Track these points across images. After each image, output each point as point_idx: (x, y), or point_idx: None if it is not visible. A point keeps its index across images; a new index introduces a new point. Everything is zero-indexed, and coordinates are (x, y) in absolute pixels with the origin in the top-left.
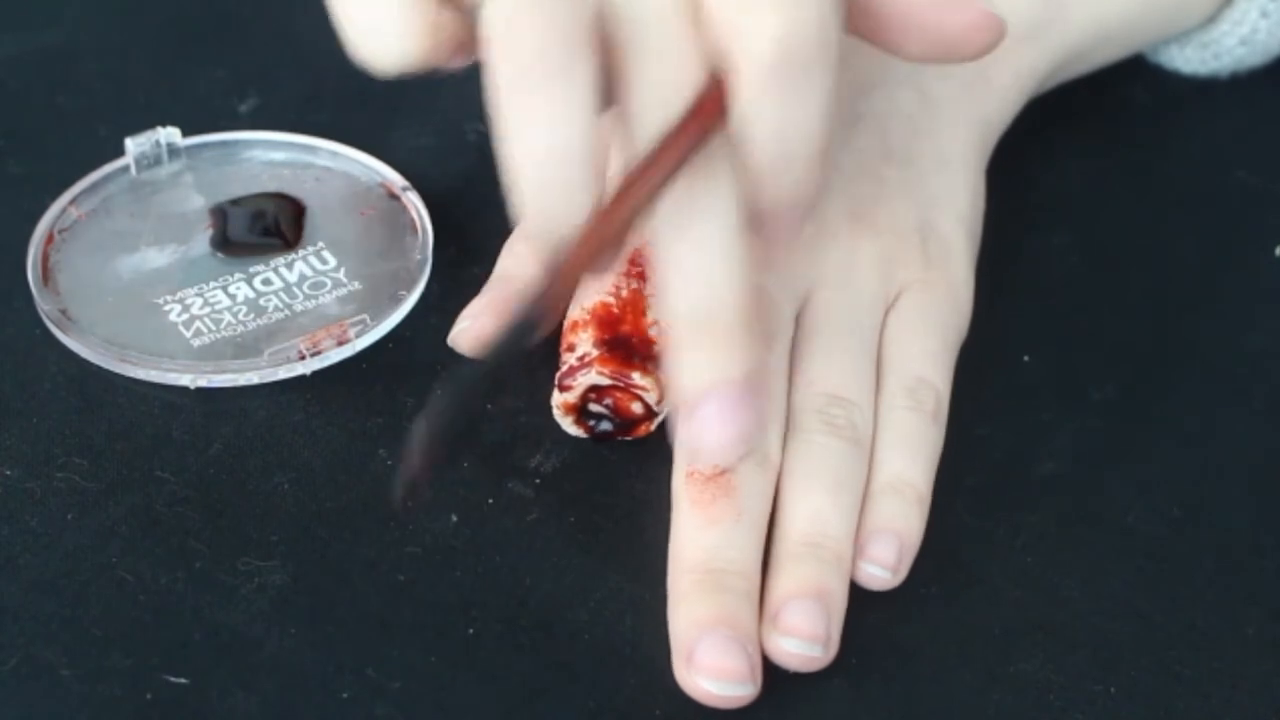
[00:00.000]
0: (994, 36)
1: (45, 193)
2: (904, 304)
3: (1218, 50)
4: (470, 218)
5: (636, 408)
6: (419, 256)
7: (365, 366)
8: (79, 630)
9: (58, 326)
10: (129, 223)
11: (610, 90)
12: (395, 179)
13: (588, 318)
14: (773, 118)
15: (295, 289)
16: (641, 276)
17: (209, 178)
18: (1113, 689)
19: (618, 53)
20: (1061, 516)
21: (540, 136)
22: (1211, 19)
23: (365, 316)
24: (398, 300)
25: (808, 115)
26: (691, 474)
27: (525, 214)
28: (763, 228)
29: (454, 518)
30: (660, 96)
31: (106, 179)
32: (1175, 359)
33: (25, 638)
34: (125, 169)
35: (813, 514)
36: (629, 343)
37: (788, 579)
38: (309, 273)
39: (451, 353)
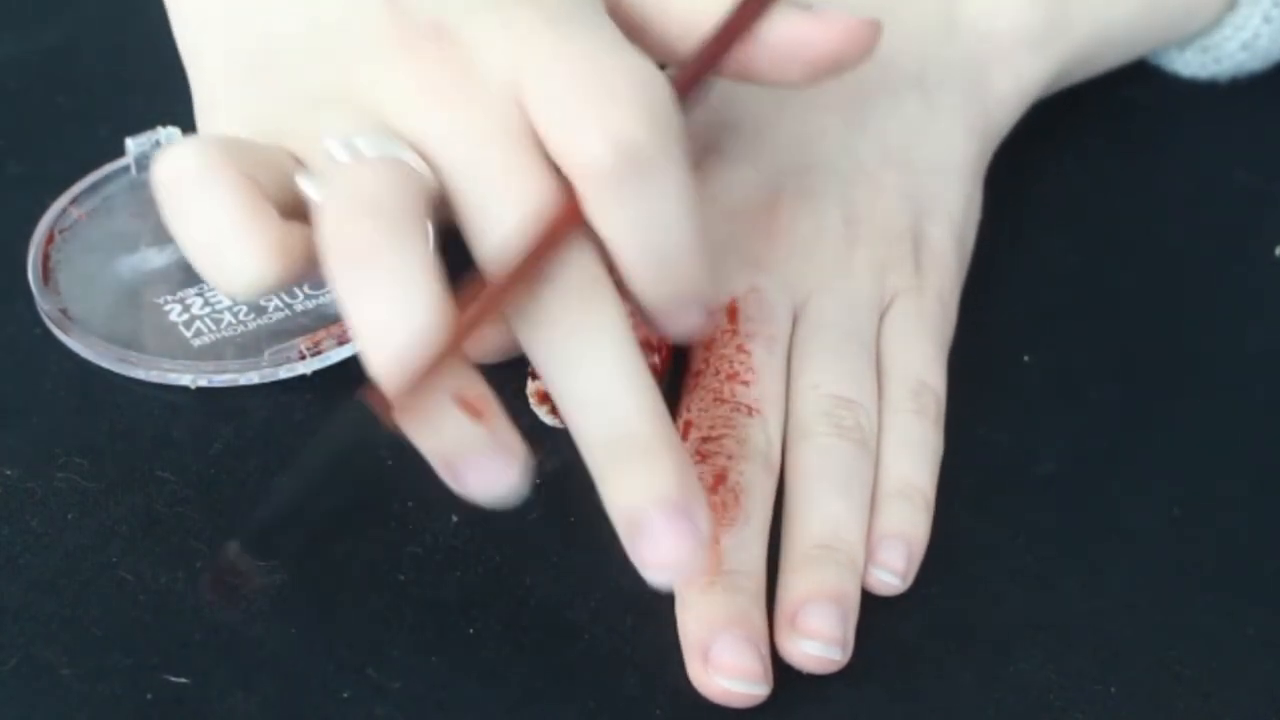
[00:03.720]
0: (871, 37)
1: (45, 193)
2: (898, 309)
3: (1219, 55)
4: None
5: None
6: None
7: (364, 367)
8: (79, 630)
9: (58, 326)
10: (129, 222)
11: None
12: None
13: None
14: (626, 222)
15: (296, 289)
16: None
17: None
18: (1113, 688)
19: (459, 200)
20: (1062, 516)
21: (378, 312)
22: (1213, 23)
23: None
24: None
25: (663, 211)
26: (699, 478)
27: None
28: (657, 323)
29: (454, 518)
30: (502, 234)
31: (107, 179)
32: (1175, 359)
33: (26, 637)
34: (126, 169)
35: (827, 517)
36: None
37: (805, 582)
38: None
39: None
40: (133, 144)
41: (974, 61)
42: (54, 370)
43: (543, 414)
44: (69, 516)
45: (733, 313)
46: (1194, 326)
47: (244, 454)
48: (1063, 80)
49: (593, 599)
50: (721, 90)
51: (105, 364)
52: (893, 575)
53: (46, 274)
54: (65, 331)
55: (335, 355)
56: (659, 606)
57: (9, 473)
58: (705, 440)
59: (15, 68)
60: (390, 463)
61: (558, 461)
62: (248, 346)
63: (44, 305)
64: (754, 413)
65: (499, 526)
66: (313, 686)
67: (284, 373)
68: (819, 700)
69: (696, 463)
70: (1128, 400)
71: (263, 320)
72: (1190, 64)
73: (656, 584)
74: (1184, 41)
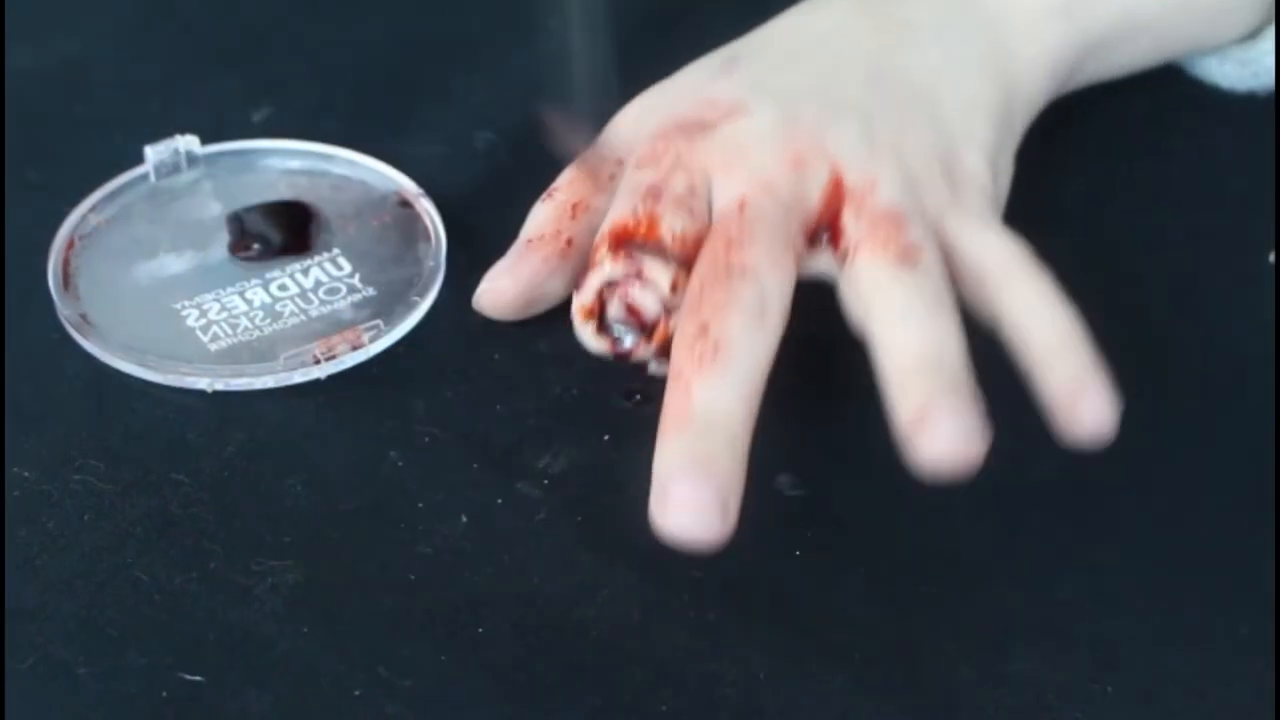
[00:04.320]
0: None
1: (62, 200)
2: (954, 220)
3: (1257, 69)
4: (481, 224)
5: (650, 303)
6: (432, 263)
7: (377, 371)
8: (95, 629)
9: (77, 331)
10: (148, 229)
11: None
12: (409, 186)
13: (605, 235)
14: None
15: (311, 294)
16: (658, 198)
17: (227, 185)
18: (1110, 688)
19: None
20: (1059, 517)
21: None
22: (1252, 36)
23: (379, 322)
24: (411, 305)
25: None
26: (684, 337)
27: None
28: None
29: (464, 518)
30: None
31: (126, 186)
32: (1172, 362)
33: (43, 637)
34: (144, 176)
35: (926, 336)
36: (642, 243)
37: (918, 393)
38: (324, 278)
39: (463, 358)
40: (151, 152)
41: (995, 24)
42: (70, 375)
43: (588, 337)
44: (85, 518)
45: (742, 204)
46: (1190, 330)
47: (257, 457)
48: (1089, 64)
49: (600, 597)
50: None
51: (123, 368)
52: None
53: (66, 280)
54: (84, 336)
55: (349, 360)
56: (667, 604)
57: (26, 475)
58: (695, 295)
59: (33, 78)
60: (401, 464)
61: (565, 463)
62: (263, 351)
63: (64, 310)
64: (747, 275)
65: (508, 527)
66: (324, 684)
67: (299, 377)
68: (819, 699)
69: (685, 319)
70: (1124, 402)
71: (278, 325)
72: (1229, 76)
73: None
74: (1222, 53)
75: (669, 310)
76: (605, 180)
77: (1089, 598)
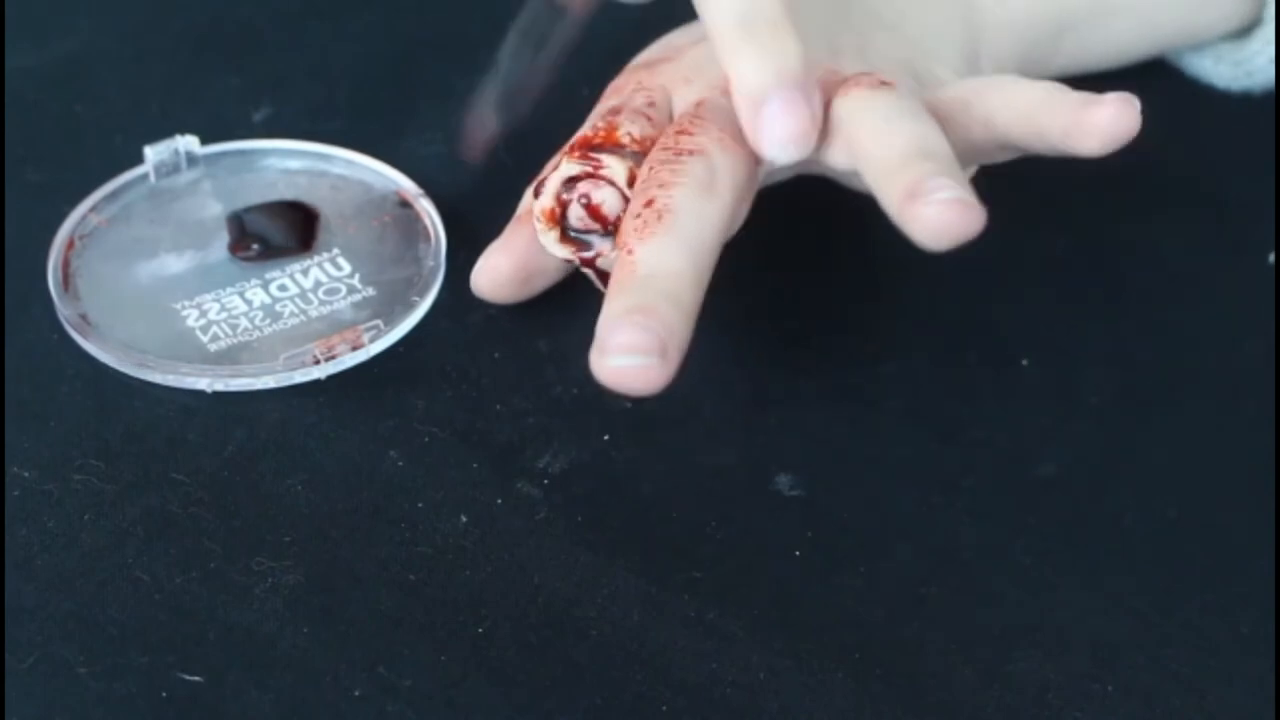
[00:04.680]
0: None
1: (62, 200)
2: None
3: (1250, 69)
4: (481, 224)
5: (609, 198)
6: (432, 263)
7: (377, 371)
8: (96, 629)
9: (77, 331)
10: (148, 229)
11: None
12: (409, 186)
13: (565, 148)
14: None
15: (310, 294)
16: (618, 111)
17: (227, 185)
18: (1110, 687)
19: None
20: (1060, 518)
21: None
22: (1244, 36)
23: (379, 322)
24: (411, 305)
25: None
26: (631, 212)
27: None
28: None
29: (464, 518)
30: None
31: (126, 186)
32: (1171, 364)
33: (43, 636)
34: (144, 176)
35: (912, 134)
36: (599, 144)
37: (907, 176)
38: (324, 279)
39: (463, 358)
40: (151, 152)
41: None
42: (70, 375)
43: (552, 244)
44: (85, 518)
45: (699, 104)
46: (1190, 332)
47: (257, 456)
48: (1066, 38)
49: (600, 597)
50: None
51: (123, 368)
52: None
53: (66, 280)
54: (84, 336)
55: (349, 360)
56: (667, 603)
57: (26, 475)
58: (645, 180)
59: (33, 77)
60: (401, 464)
61: (565, 462)
62: (263, 351)
63: (64, 310)
64: (695, 154)
65: (508, 526)
66: (324, 684)
67: (299, 377)
68: (819, 699)
69: (633, 199)
70: (1125, 404)
71: (278, 325)
72: (1223, 76)
73: (776, 160)
74: (1215, 53)
75: (628, 200)
76: None
77: (1089, 598)
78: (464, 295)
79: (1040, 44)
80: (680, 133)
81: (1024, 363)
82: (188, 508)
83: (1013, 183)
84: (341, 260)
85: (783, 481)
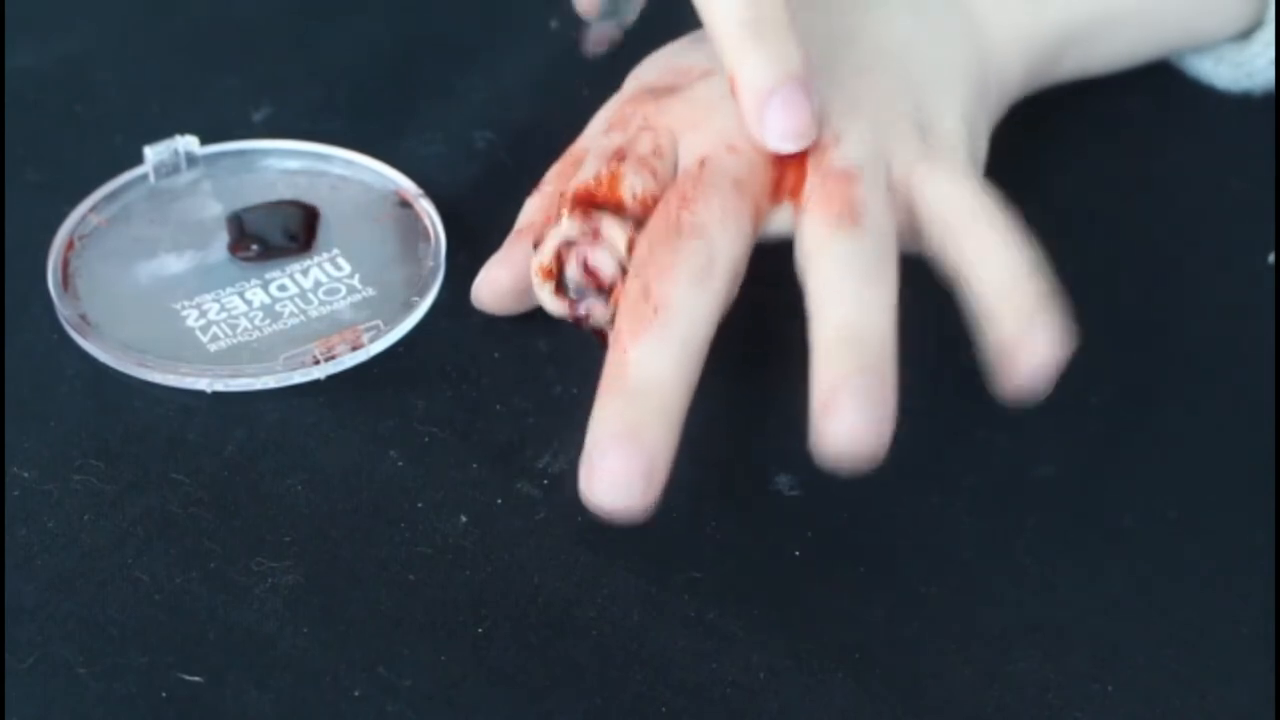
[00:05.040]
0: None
1: (61, 200)
2: (923, 174)
3: (1251, 70)
4: (480, 224)
5: (606, 264)
6: (431, 263)
7: (376, 371)
8: (95, 629)
9: (77, 331)
10: (148, 229)
11: None
12: (409, 186)
13: (567, 196)
14: None
15: (310, 295)
16: (622, 158)
17: (226, 185)
18: (1110, 687)
19: None
20: (1060, 518)
21: None
22: (1245, 38)
23: (379, 322)
24: (411, 306)
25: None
26: (628, 299)
27: None
28: None
29: (463, 518)
30: None
31: (126, 186)
32: (1171, 364)
33: (43, 636)
34: (144, 177)
35: (857, 306)
36: (601, 203)
37: (833, 370)
38: (324, 279)
39: (463, 358)
40: (151, 152)
41: (966, 8)
42: (70, 375)
43: (547, 298)
44: (85, 518)
45: (703, 162)
46: (1189, 332)
47: (256, 456)
48: (1069, 52)
49: (600, 597)
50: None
51: (123, 368)
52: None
53: (66, 280)
54: (84, 336)
55: (349, 360)
56: (667, 604)
57: (26, 475)
58: (643, 258)
59: (33, 77)
60: (401, 464)
61: (565, 462)
62: (263, 351)
63: (63, 310)
64: (695, 232)
65: (508, 526)
66: (324, 684)
67: (298, 377)
68: (819, 699)
69: (630, 282)
70: (1124, 404)
71: (278, 325)
72: (1224, 77)
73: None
74: (1216, 55)
75: (625, 272)
76: None
77: (1089, 597)
78: (464, 295)
79: (1045, 58)
80: (683, 205)
81: None
82: (187, 508)
83: (1009, 186)
84: (341, 260)
85: (783, 481)
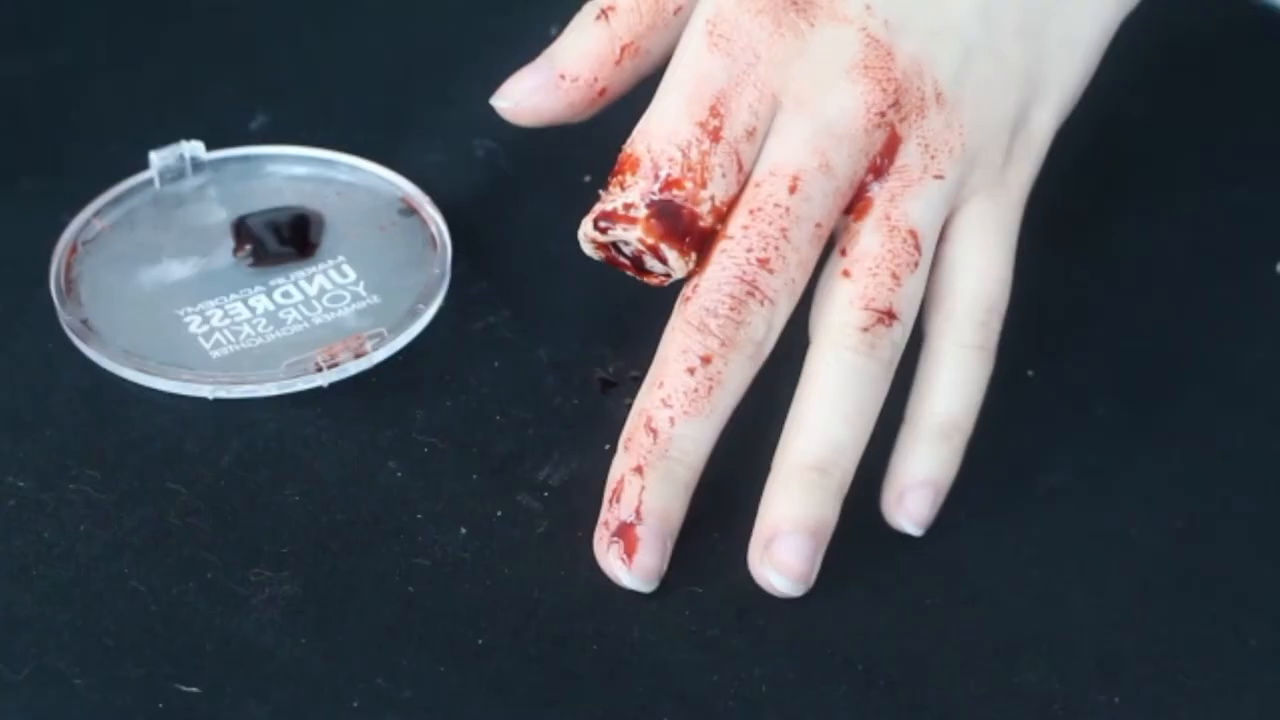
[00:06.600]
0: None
1: (57, 208)
2: (974, 209)
3: None
4: (481, 232)
5: (658, 272)
6: (437, 270)
7: (376, 380)
8: (91, 640)
9: (79, 337)
10: (152, 235)
11: None
12: (415, 193)
13: (649, 165)
14: None
15: (314, 302)
16: (717, 137)
17: (231, 191)
18: (1116, 699)
19: None
20: (1065, 529)
21: None
22: None
23: (383, 329)
24: (415, 314)
25: None
26: (684, 350)
27: None
28: None
29: (463, 530)
30: None
31: (130, 191)
32: (1177, 373)
33: (38, 647)
34: (149, 182)
35: (828, 440)
36: (679, 212)
37: (789, 506)
38: (328, 286)
39: (463, 367)
40: (156, 157)
41: None
42: (66, 384)
43: (588, 248)
44: (81, 528)
45: (794, 186)
46: (1196, 341)
47: (254, 466)
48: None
49: (599, 610)
50: None
51: (125, 374)
52: (917, 526)
53: (69, 285)
54: (86, 342)
55: (351, 368)
56: (666, 616)
57: (22, 485)
58: (707, 312)
59: (28, 85)
60: (400, 475)
61: (566, 474)
62: (265, 358)
63: (65, 316)
64: (766, 302)
65: (508, 538)
66: (323, 696)
67: (301, 384)
68: (823, 712)
69: (689, 333)
70: (1130, 414)
71: (281, 332)
72: None
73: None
74: None
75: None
76: (670, 13)
77: (1095, 608)
78: (465, 304)
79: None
80: (764, 256)
81: (1029, 373)
82: (185, 518)
83: None
84: (346, 267)
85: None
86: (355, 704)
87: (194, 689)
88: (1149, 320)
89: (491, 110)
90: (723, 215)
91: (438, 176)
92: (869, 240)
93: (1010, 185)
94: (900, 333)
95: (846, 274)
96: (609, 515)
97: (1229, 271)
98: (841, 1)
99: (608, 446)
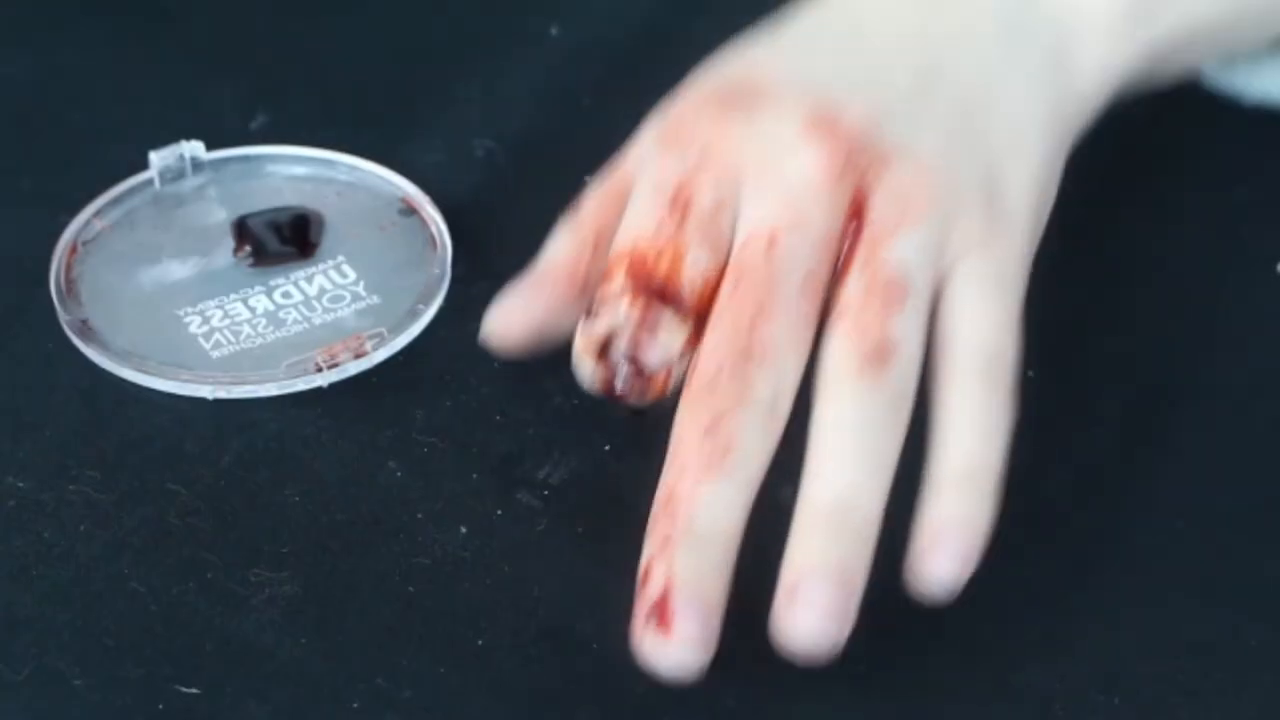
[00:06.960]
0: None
1: (57, 209)
2: (967, 270)
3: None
4: (481, 233)
5: (656, 359)
6: (438, 270)
7: (376, 380)
8: (91, 640)
9: (79, 337)
10: (152, 235)
11: None
12: (416, 193)
13: (623, 257)
14: None
15: (315, 302)
16: (685, 214)
17: (231, 191)
18: (1117, 700)
19: None
20: (1066, 530)
21: None
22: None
23: (383, 330)
24: (416, 314)
25: None
26: (695, 422)
27: None
28: None
29: (463, 529)
30: None
31: (130, 191)
32: (1178, 375)
33: (38, 647)
34: (149, 182)
35: (846, 482)
36: (660, 289)
37: (805, 554)
38: (328, 286)
39: (463, 367)
40: (156, 157)
41: (1053, 34)
42: (65, 384)
43: (586, 367)
44: (81, 528)
45: (772, 242)
46: (1196, 342)
47: (254, 466)
48: (1152, 75)
49: (601, 610)
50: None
51: (125, 375)
52: (948, 575)
53: (69, 285)
54: (86, 342)
55: (351, 368)
56: None
57: (21, 485)
58: (710, 378)
59: (28, 85)
60: (400, 474)
61: (566, 473)
62: (265, 359)
63: (65, 316)
64: (766, 361)
65: (508, 537)
66: (323, 696)
67: (301, 385)
68: (823, 712)
69: (696, 402)
70: (1131, 416)
71: (281, 333)
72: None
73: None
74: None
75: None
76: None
77: (1095, 610)
78: (464, 304)
79: (1133, 80)
80: (754, 317)
81: (1030, 374)
82: (185, 518)
83: None
84: (346, 267)
85: (787, 494)
86: (355, 704)
87: (194, 689)
88: (1150, 321)
89: (491, 110)
90: (712, 288)
91: (438, 176)
92: (854, 288)
93: (1002, 241)
94: (904, 363)
95: (839, 320)
96: (640, 603)
97: (1229, 271)
98: (778, 87)
99: (608, 446)
